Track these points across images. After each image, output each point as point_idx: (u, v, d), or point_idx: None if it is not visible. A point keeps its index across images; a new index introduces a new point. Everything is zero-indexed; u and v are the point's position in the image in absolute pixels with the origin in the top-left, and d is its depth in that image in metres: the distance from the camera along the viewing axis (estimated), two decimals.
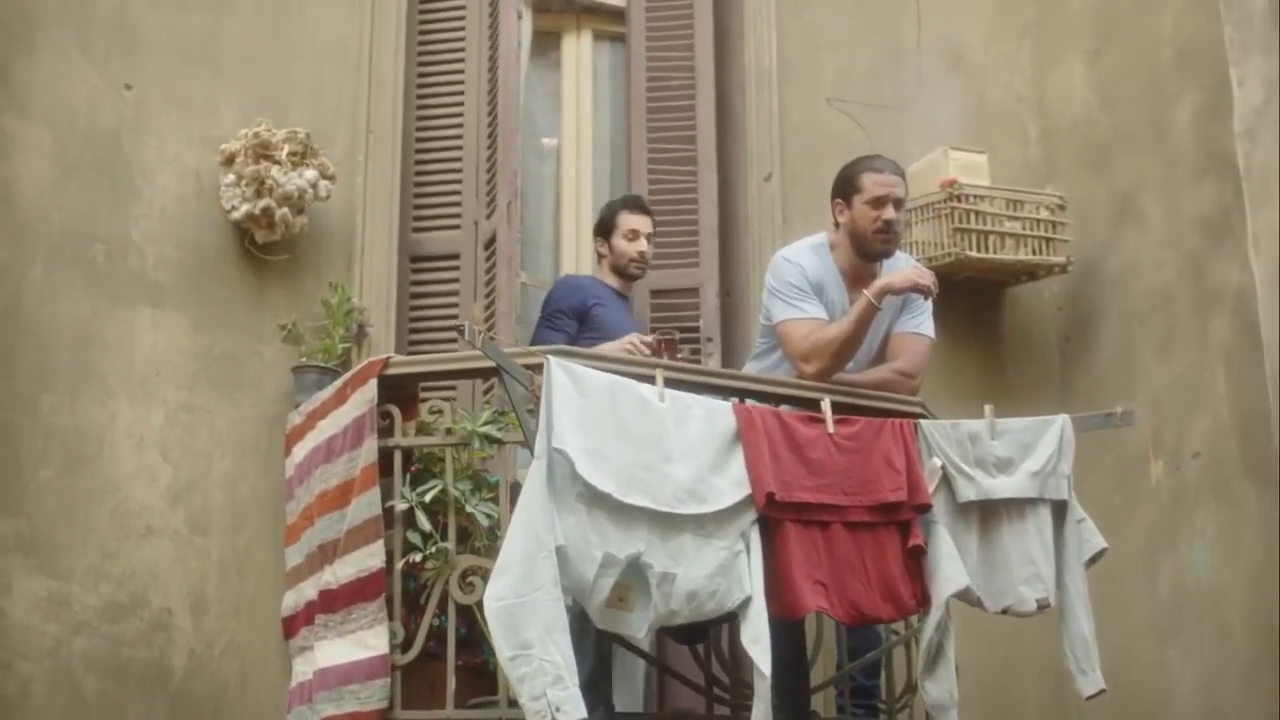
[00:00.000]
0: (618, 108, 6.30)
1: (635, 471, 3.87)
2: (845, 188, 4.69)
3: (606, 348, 4.83)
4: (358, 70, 5.50)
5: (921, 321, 4.77)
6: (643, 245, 5.47)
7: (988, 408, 4.48)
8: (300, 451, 4.81)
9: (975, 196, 5.89)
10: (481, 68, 5.64)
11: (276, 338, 5.12)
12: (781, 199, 5.92)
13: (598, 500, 3.81)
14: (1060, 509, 4.47)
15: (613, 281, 5.47)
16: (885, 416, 4.50)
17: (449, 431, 4.40)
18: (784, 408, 4.39)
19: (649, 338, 4.90)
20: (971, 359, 6.02)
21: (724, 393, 4.55)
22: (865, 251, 4.66)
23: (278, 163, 5.00)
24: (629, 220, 5.47)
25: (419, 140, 5.67)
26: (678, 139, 5.97)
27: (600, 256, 5.54)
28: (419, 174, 5.64)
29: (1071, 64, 6.29)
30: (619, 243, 5.46)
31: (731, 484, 4.00)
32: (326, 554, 4.49)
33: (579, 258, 6.10)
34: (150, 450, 4.88)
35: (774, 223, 5.87)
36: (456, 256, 5.54)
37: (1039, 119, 6.38)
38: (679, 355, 4.84)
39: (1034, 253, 5.93)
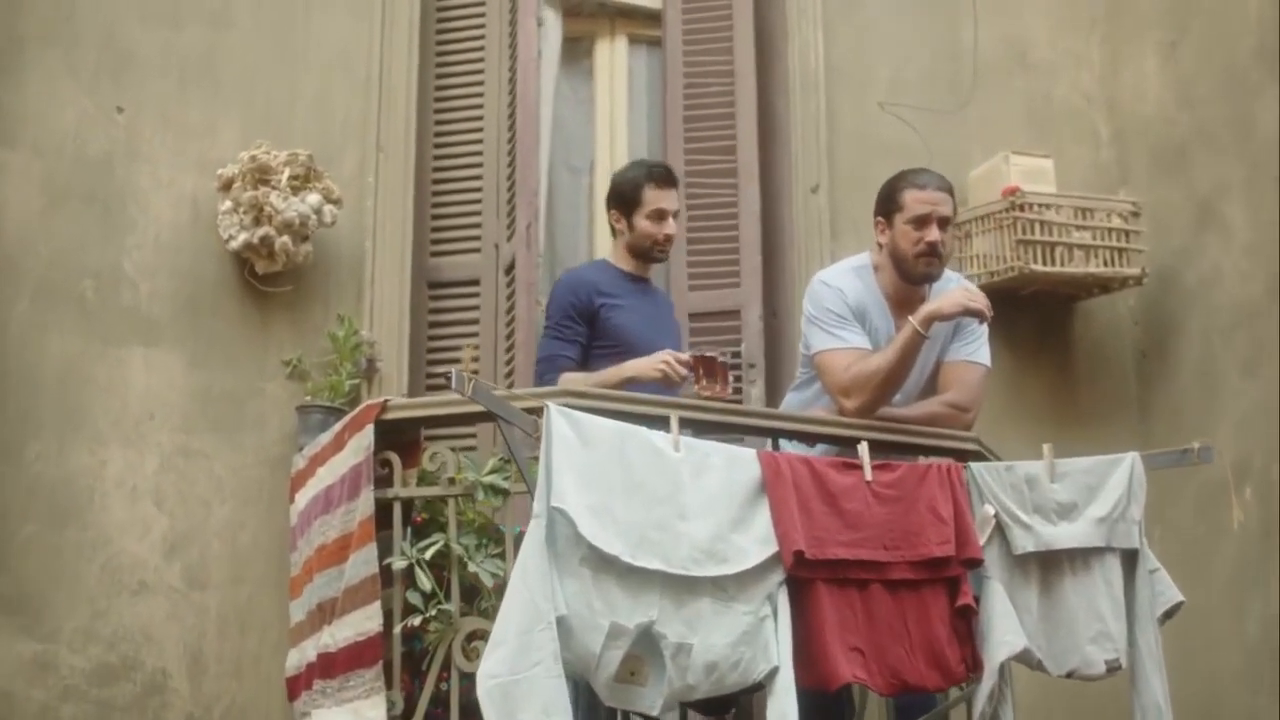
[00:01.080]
0: (655, 116, 5.91)
1: (646, 530, 3.48)
2: (886, 205, 4.29)
3: (636, 365, 4.33)
4: (367, 84, 5.17)
5: (976, 348, 4.35)
6: (670, 227, 4.64)
7: (1046, 447, 4.04)
8: (302, 499, 4.47)
9: (1040, 205, 5.48)
10: (502, 79, 5.31)
11: (280, 374, 4.82)
12: (830, 212, 5.53)
13: (604, 564, 3.43)
14: (1130, 559, 4.04)
15: (628, 264, 4.68)
16: (936, 455, 4.12)
17: (451, 481, 4.04)
18: (820, 448, 4.01)
19: (685, 356, 4.33)
20: (1039, 380, 5.65)
21: (751, 433, 4.18)
22: (907, 275, 4.24)
23: (277, 188, 4.66)
24: (655, 197, 4.61)
25: (436, 158, 5.33)
26: (717, 149, 5.57)
27: (615, 232, 4.71)
28: (436, 194, 5.30)
29: (1145, 58, 5.87)
30: (642, 223, 4.61)
31: (756, 541, 3.60)
32: (325, 613, 4.15)
33: None
34: (143, 499, 4.60)
35: (822, 237, 5.49)
36: (477, 282, 5.19)
37: (1110, 119, 5.95)
38: (722, 378, 4.30)
39: (1105, 264, 5.50)
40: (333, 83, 5.16)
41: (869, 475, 3.79)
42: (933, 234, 4.19)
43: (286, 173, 4.70)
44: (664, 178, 4.68)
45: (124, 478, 4.58)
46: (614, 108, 5.92)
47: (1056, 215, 5.48)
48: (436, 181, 5.30)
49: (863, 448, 3.83)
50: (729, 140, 5.58)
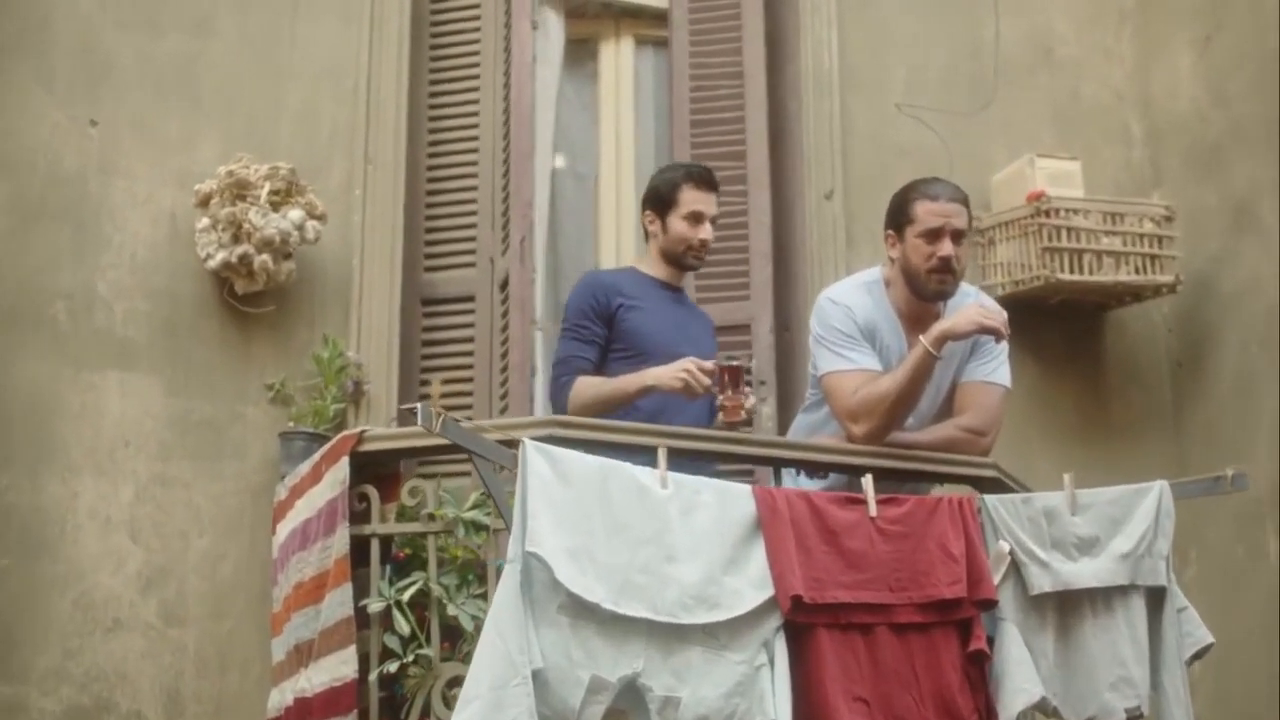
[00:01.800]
0: (663, 121, 5.64)
1: (630, 574, 3.23)
2: (896, 217, 4.02)
3: (656, 373, 4.00)
4: (355, 93, 4.96)
5: (994, 368, 4.07)
6: (706, 231, 4.30)
7: (1067, 477, 3.76)
8: (283, 531, 4.27)
9: (1067, 210, 5.23)
10: (497, 86, 5.07)
11: (263, 399, 4.64)
12: (845, 219, 5.28)
13: (584, 611, 3.18)
14: (1157, 597, 3.76)
15: (659, 271, 4.34)
16: (951, 483, 3.86)
17: (431, 517, 3.81)
18: (832, 478, 3.77)
19: (710, 365, 4.00)
20: (1068, 394, 5.42)
21: (752, 463, 3.93)
22: (920, 291, 3.98)
23: (256, 204, 4.45)
24: (693, 198, 4.28)
25: (430, 169, 5.11)
26: (725, 154, 5.29)
27: (649, 235, 4.37)
28: (430, 206, 5.08)
29: (1178, 53, 5.64)
30: (677, 225, 4.27)
31: (750, 584, 3.35)
32: (302, 655, 3.94)
33: None
34: (118, 531, 4.43)
35: (836, 246, 5.24)
36: (471, 299, 4.95)
37: (1142, 118, 5.71)
38: (747, 391, 4.05)
39: (1137, 272, 5.26)
40: (319, 92, 4.96)
41: (873, 511, 3.53)
42: (946, 248, 3.92)
43: (266, 188, 4.49)
44: (703, 179, 4.34)
45: (97, 509, 4.41)
46: (619, 112, 5.66)
47: (1084, 221, 5.23)
48: (430, 193, 5.08)
49: (866, 481, 3.57)
50: (738, 145, 5.32)
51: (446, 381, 4.81)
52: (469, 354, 4.90)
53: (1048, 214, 5.17)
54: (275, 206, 4.49)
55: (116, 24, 4.77)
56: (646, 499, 3.32)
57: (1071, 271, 5.17)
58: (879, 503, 3.54)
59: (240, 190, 4.47)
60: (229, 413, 4.58)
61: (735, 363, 3.99)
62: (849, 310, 4.00)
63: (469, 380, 4.87)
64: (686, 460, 3.72)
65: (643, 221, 4.39)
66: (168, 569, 4.42)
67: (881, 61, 5.51)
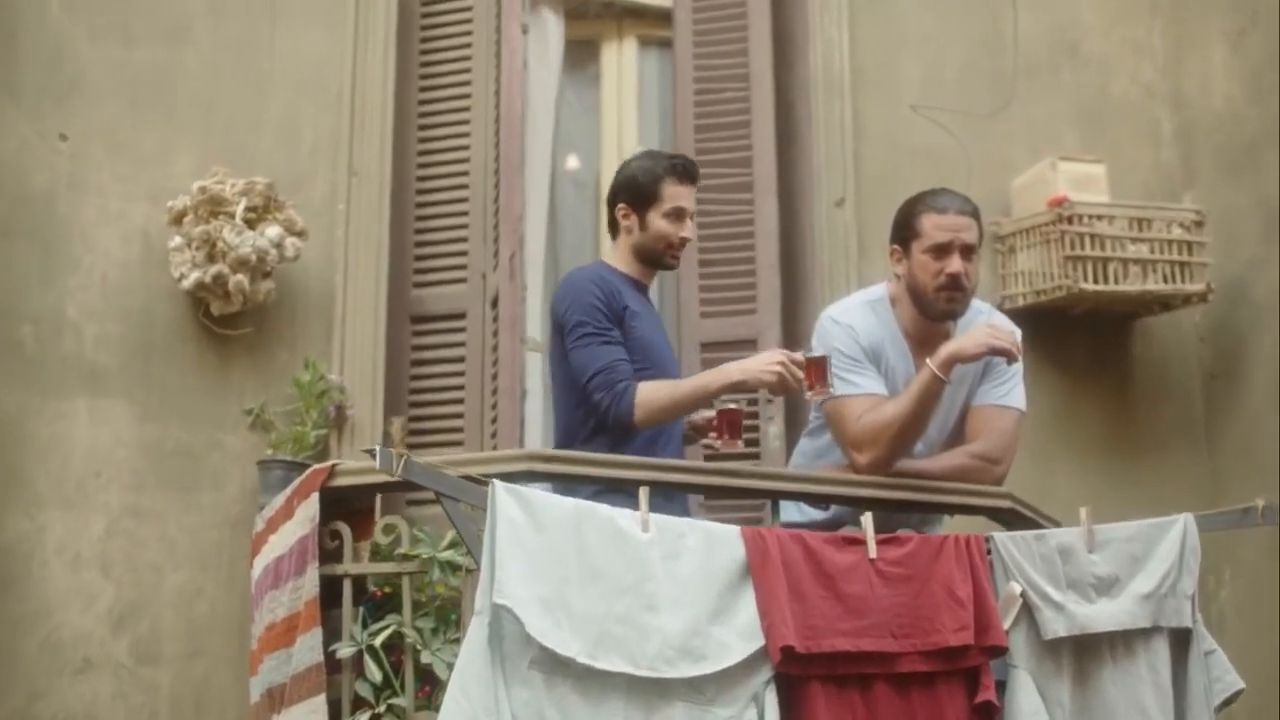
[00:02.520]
0: (667, 125, 5.40)
1: (608, 626, 3.02)
2: (902, 231, 3.78)
3: (743, 367, 3.67)
4: (339, 102, 4.72)
5: (1008, 390, 3.83)
6: (689, 229, 3.94)
7: (1084, 510, 3.51)
8: (258, 566, 4.04)
9: (1091, 216, 4.96)
10: (489, 93, 4.81)
11: (242, 425, 4.43)
12: (857, 228, 5.03)
13: (558, 667, 2.98)
14: (1182, 639, 3.51)
15: (633, 269, 3.94)
16: (961, 513, 3.69)
17: (405, 557, 3.58)
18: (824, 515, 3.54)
19: (799, 355, 3.64)
20: (1094, 407, 5.17)
21: (749, 495, 3.70)
22: (927, 310, 3.73)
23: (231, 221, 4.23)
24: (676, 193, 3.89)
25: (420, 179, 4.87)
26: (731, 160, 5.06)
27: (620, 230, 3.95)
28: (420, 219, 4.85)
29: (1211, 47, 5.38)
30: (658, 222, 3.88)
31: (739, 634, 3.13)
32: (275, 701, 3.72)
33: None
34: (88, 567, 4.25)
35: (848, 257, 5.00)
36: (463, 316, 4.71)
37: (1173, 115, 5.44)
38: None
39: (1165, 280, 5.01)
40: (301, 102, 4.73)
41: (873, 552, 3.29)
42: (954, 265, 3.67)
43: (242, 204, 4.28)
44: (687, 172, 3.95)
45: (65, 543, 4.22)
46: (622, 116, 5.42)
47: (1109, 227, 4.97)
48: (420, 205, 4.84)
49: (866, 520, 3.32)
50: (744, 151, 5.07)
51: (437, 403, 4.63)
52: (460, 374, 4.67)
53: (1070, 221, 4.92)
54: (252, 224, 4.27)
55: (88, 33, 4.55)
56: (626, 544, 3.10)
57: (1096, 281, 4.91)
58: (879, 543, 3.31)
59: (214, 207, 4.26)
60: (206, 440, 4.38)
61: (819, 354, 3.65)
62: (852, 330, 3.77)
63: (459, 402, 4.64)
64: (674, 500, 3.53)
65: (615, 215, 3.97)
66: (140, 605, 4.23)
67: (895, 61, 5.25)
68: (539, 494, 3.09)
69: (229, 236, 4.20)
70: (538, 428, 4.71)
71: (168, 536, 4.30)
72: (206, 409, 4.40)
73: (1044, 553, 3.42)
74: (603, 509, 3.12)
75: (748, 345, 4.84)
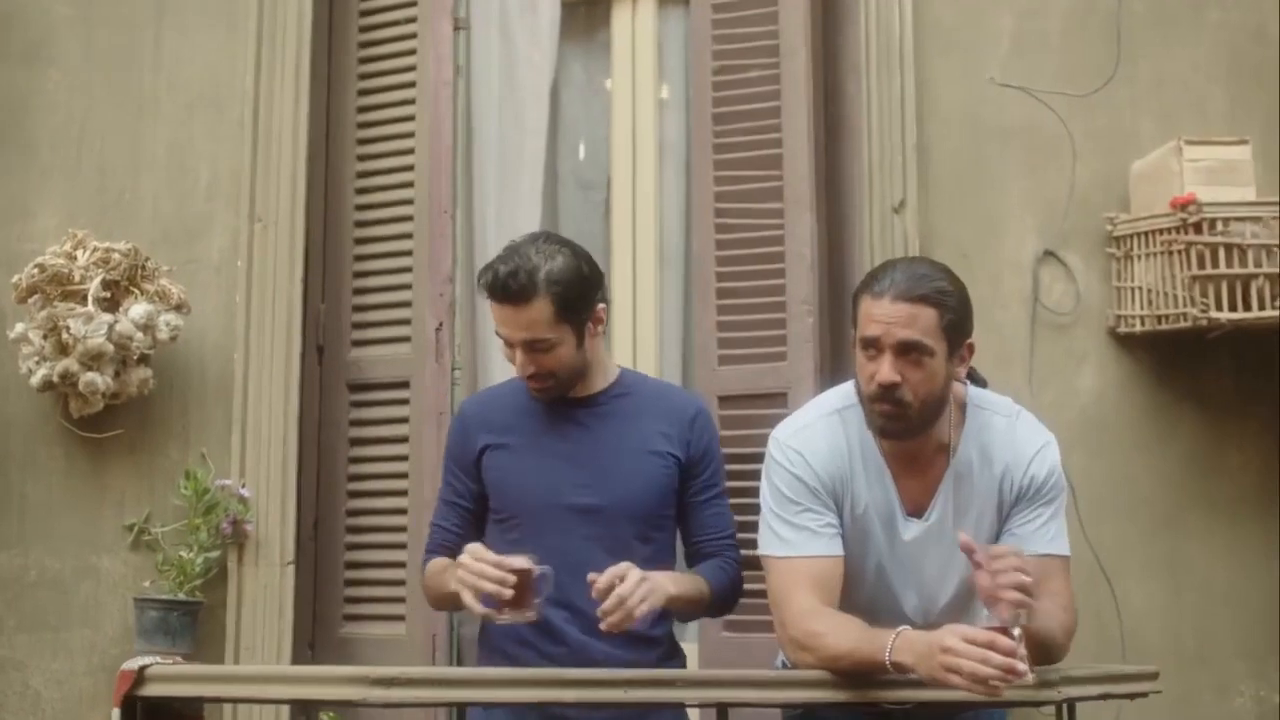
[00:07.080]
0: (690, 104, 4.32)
1: None
2: (853, 313, 2.80)
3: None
4: (240, 130, 3.80)
5: (1054, 533, 2.83)
6: (518, 362, 2.90)
7: None
8: None
9: (1228, 220, 3.73)
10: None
11: (121, 546, 3.79)
12: (919, 240, 3.94)
13: None
14: None
15: None
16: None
17: None
18: None
19: (519, 560, 2.69)
20: (1239, 453, 4.02)
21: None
22: (869, 423, 2.79)
23: (80, 304, 3.39)
24: (495, 314, 2.89)
25: (360, 221, 3.99)
26: (754, 160, 4.00)
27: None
28: (360, 268, 3.95)
29: None
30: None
31: None
32: None
33: (637, 334, 4.22)
34: None
35: None
36: (406, 385, 3.82)
37: None
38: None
39: None
40: (191, 131, 3.93)
41: None
42: (884, 370, 2.66)
43: (98, 279, 3.42)
44: (491, 288, 2.83)
45: None
46: (636, 95, 4.35)
47: (1253, 234, 3.74)
48: (361, 246, 3.92)
49: None
50: (772, 149, 3.98)
51: (385, 494, 3.77)
52: (404, 458, 3.78)
53: (1198, 229, 3.73)
54: (104, 306, 3.44)
55: None
56: None
57: (1234, 308, 3.73)
58: None
59: (59, 285, 3.42)
60: (76, 567, 3.72)
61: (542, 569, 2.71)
62: (802, 459, 2.82)
63: (404, 494, 3.77)
64: None
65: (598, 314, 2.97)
66: None
67: (975, 18, 4.07)
68: None
69: (75, 326, 3.36)
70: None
71: (30, 690, 3.69)
72: (76, 528, 3.75)
73: None
74: None
75: (777, 399, 3.86)
